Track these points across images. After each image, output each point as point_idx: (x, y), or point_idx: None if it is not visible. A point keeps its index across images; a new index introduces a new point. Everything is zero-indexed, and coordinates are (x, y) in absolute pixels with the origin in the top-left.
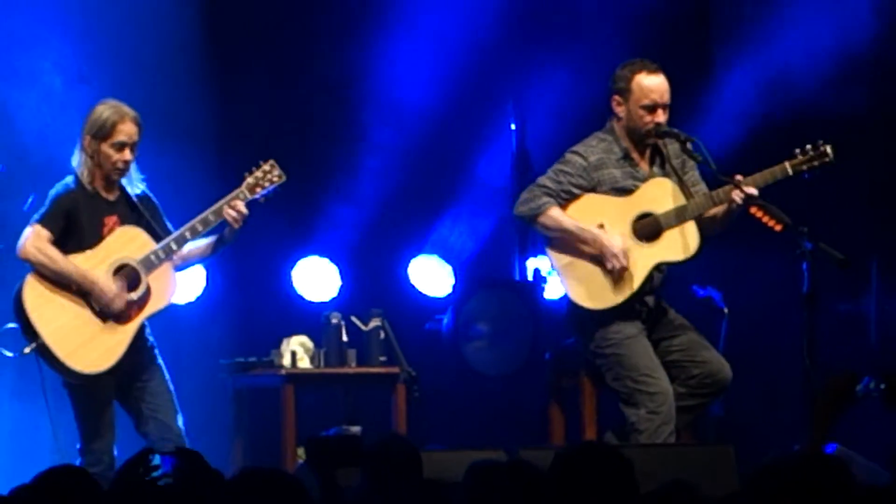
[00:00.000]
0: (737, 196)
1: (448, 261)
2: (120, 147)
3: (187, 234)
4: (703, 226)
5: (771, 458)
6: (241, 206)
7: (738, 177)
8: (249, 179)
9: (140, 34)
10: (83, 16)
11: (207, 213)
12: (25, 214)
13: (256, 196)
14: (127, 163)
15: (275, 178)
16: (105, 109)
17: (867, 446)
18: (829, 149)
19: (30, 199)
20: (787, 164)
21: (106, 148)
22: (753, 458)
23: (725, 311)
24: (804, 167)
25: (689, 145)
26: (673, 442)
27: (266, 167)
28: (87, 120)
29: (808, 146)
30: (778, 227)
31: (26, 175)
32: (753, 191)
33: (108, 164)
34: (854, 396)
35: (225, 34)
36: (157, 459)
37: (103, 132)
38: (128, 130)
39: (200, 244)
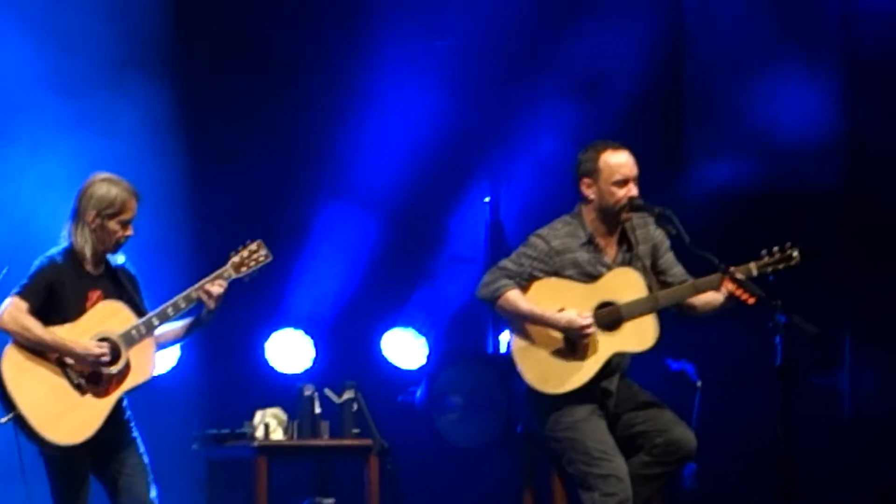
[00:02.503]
0: (731, 288)
1: (422, 333)
2: (126, 223)
3: (169, 311)
4: (688, 310)
5: None
6: (219, 288)
7: (732, 268)
8: (235, 259)
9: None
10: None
11: (191, 291)
12: (1, 285)
13: (241, 275)
14: (128, 238)
15: (261, 259)
16: (111, 187)
17: None
18: (795, 252)
19: (4, 271)
20: (752, 265)
21: (113, 224)
22: None
23: (699, 384)
24: (769, 269)
25: (661, 219)
26: None
27: (252, 247)
28: (91, 196)
29: (776, 248)
30: (751, 301)
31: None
32: (741, 276)
33: (112, 240)
34: None
35: (205, 114)
36: None
37: (113, 209)
38: (134, 207)
39: (175, 326)
